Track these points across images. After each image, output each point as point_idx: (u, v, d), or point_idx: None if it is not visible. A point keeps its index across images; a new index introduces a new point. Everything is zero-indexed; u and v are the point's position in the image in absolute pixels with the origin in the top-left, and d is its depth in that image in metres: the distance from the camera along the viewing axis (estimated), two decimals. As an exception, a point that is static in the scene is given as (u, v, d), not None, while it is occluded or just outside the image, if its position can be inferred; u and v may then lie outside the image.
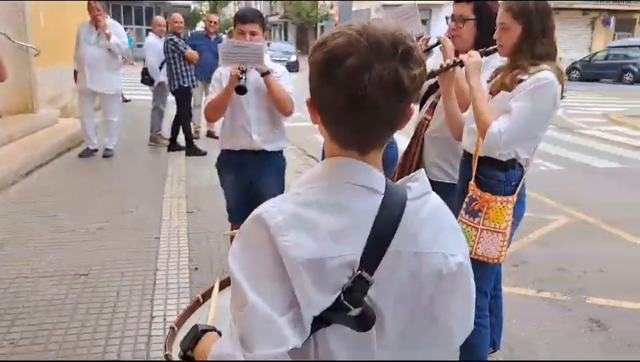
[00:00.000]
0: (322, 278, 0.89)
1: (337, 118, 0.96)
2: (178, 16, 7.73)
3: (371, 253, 0.92)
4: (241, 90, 2.98)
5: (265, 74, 3.08)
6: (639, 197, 6.47)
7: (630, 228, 5.20)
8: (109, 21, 6.94)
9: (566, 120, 12.64)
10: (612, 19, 31.27)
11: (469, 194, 2.41)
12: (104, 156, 7.13)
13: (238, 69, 2.99)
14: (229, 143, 3.30)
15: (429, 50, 2.77)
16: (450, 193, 2.73)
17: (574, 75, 26.53)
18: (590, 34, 31.91)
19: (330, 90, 0.92)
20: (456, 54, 2.71)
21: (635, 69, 24.50)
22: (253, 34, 3.12)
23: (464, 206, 2.42)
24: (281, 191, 3.41)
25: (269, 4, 61.29)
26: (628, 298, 3.81)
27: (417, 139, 2.91)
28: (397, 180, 2.77)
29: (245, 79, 3.01)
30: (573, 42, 31.42)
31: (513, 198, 2.34)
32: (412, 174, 1.07)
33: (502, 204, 2.33)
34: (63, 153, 7.29)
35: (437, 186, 2.79)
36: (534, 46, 2.26)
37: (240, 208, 3.39)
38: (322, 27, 42.40)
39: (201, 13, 43.41)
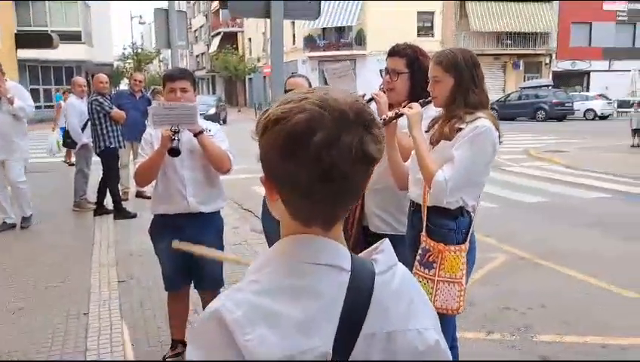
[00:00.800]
0: None
1: (302, 194, 0.88)
2: (103, 76, 7.50)
3: (344, 340, 0.84)
4: (175, 152, 2.84)
5: (198, 133, 2.97)
6: (565, 230, 6.74)
7: (562, 260, 5.38)
8: (10, 84, 6.46)
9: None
10: (521, 63, 33.66)
11: (422, 246, 2.37)
12: (22, 227, 6.62)
13: (170, 130, 2.87)
14: (163, 207, 3.13)
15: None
16: (395, 245, 2.69)
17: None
18: (503, 77, 34.12)
19: (295, 167, 0.86)
20: (390, 107, 2.74)
21: (546, 107, 26.31)
22: (184, 90, 3.02)
23: (418, 258, 2.37)
24: (221, 254, 3.26)
25: (195, 60, 61.61)
26: (571, 331, 3.87)
27: None
28: None
29: (178, 140, 2.87)
30: (489, 85, 33.10)
31: (465, 246, 2.33)
32: (375, 245, 1.00)
33: (455, 253, 2.31)
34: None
35: (380, 238, 2.75)
36: (467, 96, 2.31)
37: (178, 275, 3.21)
38: (250, 79, 42.96)
39: (124, 70, 42.89)
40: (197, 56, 61.10)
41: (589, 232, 6.60)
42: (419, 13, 31.78)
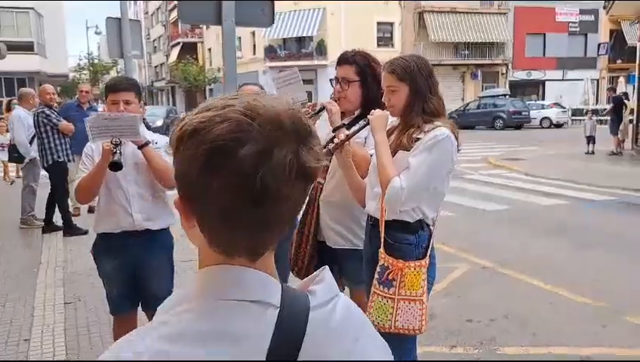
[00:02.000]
0: None
1: (224, 218, 0.73)
2: (49, 87, 7.17)
3: None
4: (116, 166, 2.63)
5: (142, 146, 2.78)
6: (525, 237, 6.75)
7: (523, 268, 5.36)
8: None
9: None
10: (479, 73, 34.38)
11: (381, 263, 2.24)
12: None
13: (111, 142, 2.67)
14: (106, 225, 2.91)
15: (316, 115, 2.64)
16: (352, 259, 2.58)
17: (452, 124, 28.57)
18: (462, 86, 34.75)
19: (217, 187, 0.71)
20: (342, 115, 2.63)
21: (504, 116, 26.87)
22: (127, 103, 2.83)
23: (376, 276, 2.24)
24: (171, 274, 3.06)
25: (154, 70, 60.65)
26: (536, 342, 3.81)
27: (312, 205, 2.73)
28: (294, 254, 2.52)
29: (120, 153, 2.67)
30: (447, 94, 33.91)
31: (426, 262, 2.22)
32: (314, 274, 0.84)
33: (415, 269, 2.19)
34: None
35: (337, 253, 2.62)
36: (424, 104, 2.22)
37: (124, 298, 2.99)
38: (211, 90, 42.50)
39: (79, 82, 41.81)
40: (156, 66, 60.12)
41: (549, 240, 6.62)
42: (378, 23, 32.16)
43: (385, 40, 33.05)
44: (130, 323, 3.11)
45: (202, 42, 47.42)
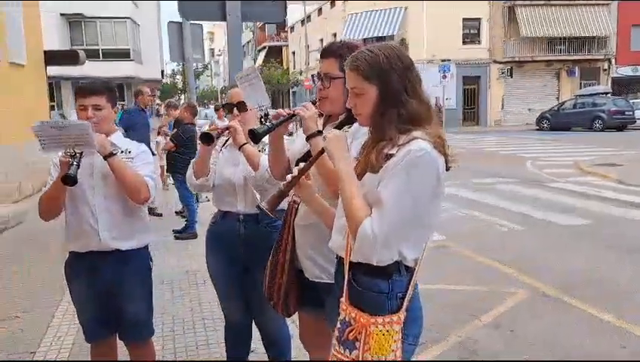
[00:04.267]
0: None
1: None
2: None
3: None
4: (69, 179, 2.33)
5: (108, 156, 2.47)
6: (604, 260, 5.77)
7: (598, 300, 4.53)
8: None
9: (533, 172, 12.22)
10: (576, 69, 31.85)
11: (341, 317, 1.74)
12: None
13: (65, 153, 2.38)
14: (74, 244, 2.64)
15: (279, 125, 2.19)
16: (334, 296, 2.06)
17: (545, 125, 26.72)
18: (557, 84, 32.37)
19: None
20: (329, 119, 2.18)
21: (604, 116, 24.59)
22: (97, 108, 2.56)
23: (336, 334, 1.74)
24: (146, 301, 2.74)
25: (243, 74, 62.32)
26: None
27: (288, 227, 2.28)
28: (267, 285, 2.05)
29: (77, 165, 2.37)
30: (540, 93, 31.86)
31: (400, 317, 1.68)
32: None
33: (385, 327, 1.66)
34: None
35: (317, 287, 2.13)
36: (398, 108, 1.70)
37: (97, 324, 2.70)
38: (294, 92, 42.88)
39: (174, 86, 43.70)
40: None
41: (636, 265, 5.59)
42: (464, 19, 30.63)
43: (471, 37, 31.41)
44: (107, 352, 2.83)
45: (287, 46, 47.99)
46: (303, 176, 1.88)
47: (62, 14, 27.22)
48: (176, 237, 6.87)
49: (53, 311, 4.41)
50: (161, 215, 8.28)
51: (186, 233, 6.93)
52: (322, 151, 1.81)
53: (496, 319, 4.23)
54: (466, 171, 11.33)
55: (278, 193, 1.84)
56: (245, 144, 2.64)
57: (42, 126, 2.31)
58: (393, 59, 1.71)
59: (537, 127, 27.28)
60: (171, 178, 8.02)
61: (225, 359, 3.13)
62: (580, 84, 31.83)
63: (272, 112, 2.28)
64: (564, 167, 12.77)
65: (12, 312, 4.41)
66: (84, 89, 2.58)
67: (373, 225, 1.61)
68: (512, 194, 9.57)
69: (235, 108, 2.79)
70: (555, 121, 26.29)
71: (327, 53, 2.20)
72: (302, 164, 1.88)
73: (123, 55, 29.83)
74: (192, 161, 2.86)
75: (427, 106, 1.74)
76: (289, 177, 1.88)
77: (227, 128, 2.72)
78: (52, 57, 11.92)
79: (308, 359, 2.65)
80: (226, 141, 2.87)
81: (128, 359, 2.89)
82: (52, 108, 21.55)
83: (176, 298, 4.70)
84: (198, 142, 3.11)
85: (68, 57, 12.26)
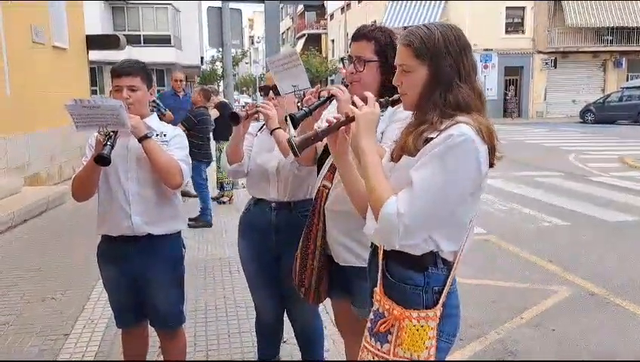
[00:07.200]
0: None
1: None
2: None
3: None
4: (102, 160, 2.28)
5: (142, 138, 2.42)
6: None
7: (646, 301, 4.30)
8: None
9: (576, 166, 11.79)
10: (624, 61, 30.61)
11: (375, 308, 1.64)
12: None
13: (99, 132, 2.34)
14: (105, 227, 2.61)
15: (322, 105, 2.10)
16: (363, 281, 1.93)
17: (589, 118, 25.86)
18: (602, 76, 31.19)
19: None
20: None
21: (653, 109, 23.63)
22: (132, 89, 2.50)
23: (368, 325, 1.65)
24: (177, 289, 2.69)
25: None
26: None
27: (318, 213, 2.19)
28: (298, 272, 1.95)
29: (111, 146, 2.32)
30: (585, 85, 30.78)
31: (436, 313, 1.57)
32: None
33: (419, 322, 1.55)
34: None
35: (346, 272, 2.02)
36: (447, 93, 1.57)
37: (127, 311, 2.68)
38: (332, 80, 42.64)
39: (213, 73, 44.05)
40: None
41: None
42: (507, 8, 29.75)
43: (514, 26, 30.46)
44: (138, 339, 2.81)
45: (326, 33, 47.73)
46: (343, 130, 1.72)
47: (106, 0, 27.72)
48: (190, 226, 6.50)
49: (88, 293, 4.44)
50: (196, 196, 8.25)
51: (200, 221, 6.72)
52: (353, 118, 1.66)
53: (538, 317, 4.06)
54: (507, 163, 10.99)
55: (313, 135, 1.69)
56: (278, 128, 2.55)
57: (75, 105, 2.27)
58: (450, 40, 1.57)
59: (581, 120, 26.43)
60: None
61: (256, 348, 3.07)
62: (627, 76, 30.61)
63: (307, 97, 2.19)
64: (609, 161, 12.30)
65: (49, 294, 4.47)
66: (119, 70, 2.53)
67: (399, 205, 1.48)
68: (555, 187, 9.24)
69: (270, 91, 2.69)
70: (600, 114, 25.46)
71: (359, 35, 2.12)
72: (334, 117, 1.73)
73: (164, 41, 30.16)
74: (225, 145, 2.78)
75: (479, 95, 1.61)
76: (325, 124, 1.74)
77: (257, 110, 2.62)
78: (93, 42, 12.10)
79: (341, 351, 2.57)
80: (263, 125, 2.78)
81: (160, 346, 2.86)
82: (94, 92, 22.08)
83: (208, 285, 4.68)
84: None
85: (109, 42, 12.43)
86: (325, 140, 1.79)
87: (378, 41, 2.07)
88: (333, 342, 3.38)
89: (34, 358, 3.43)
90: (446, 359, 1.66)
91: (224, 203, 8.03)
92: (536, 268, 5.17)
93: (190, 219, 6.73)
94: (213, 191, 8.29)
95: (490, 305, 4.28)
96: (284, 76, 2.30)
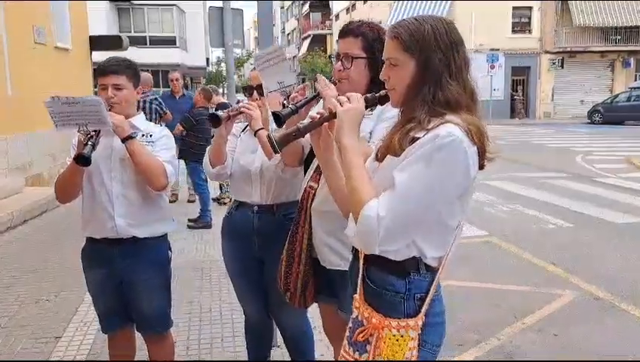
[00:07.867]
0: None
1: None
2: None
3: None
4: (82, 160, 2.21)
5: (126, 138, 2.35)
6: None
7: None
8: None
9: (583, 166, 11.64)
10: (632, 60, 30.32)
11: (353, 315, 1.56)
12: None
13: (79, 131, 2.27)
14: (89, 229, 2.54)
15: (309, 103, 2.02)
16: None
17: (596, 118, 25.62)
18: (610, 76, 30.92)
19: None
20: None
21: (661, 110, 23.37)
22: (117, 88, 2.44)
23: (347, 334, 1.57)
24: (163, 292, 2.61)
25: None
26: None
27: (304, 214, 2.11)
28: (284, 275, 1.88)
29: (92, 146, 2.25)
30: (593, 85, 30.51)
31: (417, 322, 1.48)
32: None
33: (399, 331, 1.47)
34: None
35: (333, 275, 1.89)
36: (436, 90, 1.48)
37: (112, 315, 2.60)
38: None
39: (219, 74, 44.09)
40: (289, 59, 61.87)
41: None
42: (514, 8, 29.53)
43: (521, 25, 30.23)
44: (124, 343, 2.73)
45: (331, 34, 47.65)
46: (326, 127, 1.64)
47: (111, 1, 27.72)
48: (190, 227, 6.57)
49: (82, 295, 4.37)
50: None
51: (200, 222, 6.65)
52: (335, 115, 1.58)
53: (540, 322, 3.95)
54: (512, 164, 10.91)
55: (294, 130, 1.61)
56: (261, 129, 2.47)
57: (54, 102, 2.20)
58: (440, 33, 1.48)
59: (589, 120, 26.19)
60: (184, 164, 7.95)
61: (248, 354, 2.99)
62: (636, 76, 30.32)
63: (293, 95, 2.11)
64: (616, 163, 12.14)
65: (43, 295, 4.42)
66: (104, 68, 2.46)
67: (380, 207, 1.40)
68: (561, 189, 9.10)
69: (255, 92, 2.62)
70: (608, 115, 25.21)
71: (346, 31, 2.05)
72: (323, 111, 1.65)
73: (169, 42, 30.20)
74: (208, 148, 2.70)
75: (470, 94, 1.52)
76: (309, 119, 1.67)
77: (240, 111, 2.54)
78: (97, 42, 12.08)
79: (332, 356, 2.49)
80: (246, 126, 2.70)
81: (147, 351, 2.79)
82: (96, 94, 22.11)
83: (205, 286, 4.61)
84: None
85: (112, 42, 12.41)
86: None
87: (365, 36, 2.00)
88: (327, 349, 3.29)
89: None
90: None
91: (225, 204, 7.96)
92: (540, 270, 5.06)
93: (190, 220, 6.69)
94: (213, 192, 8.24)
95: (491, 309, 4.18)
96: (269, 72, 2.23)
